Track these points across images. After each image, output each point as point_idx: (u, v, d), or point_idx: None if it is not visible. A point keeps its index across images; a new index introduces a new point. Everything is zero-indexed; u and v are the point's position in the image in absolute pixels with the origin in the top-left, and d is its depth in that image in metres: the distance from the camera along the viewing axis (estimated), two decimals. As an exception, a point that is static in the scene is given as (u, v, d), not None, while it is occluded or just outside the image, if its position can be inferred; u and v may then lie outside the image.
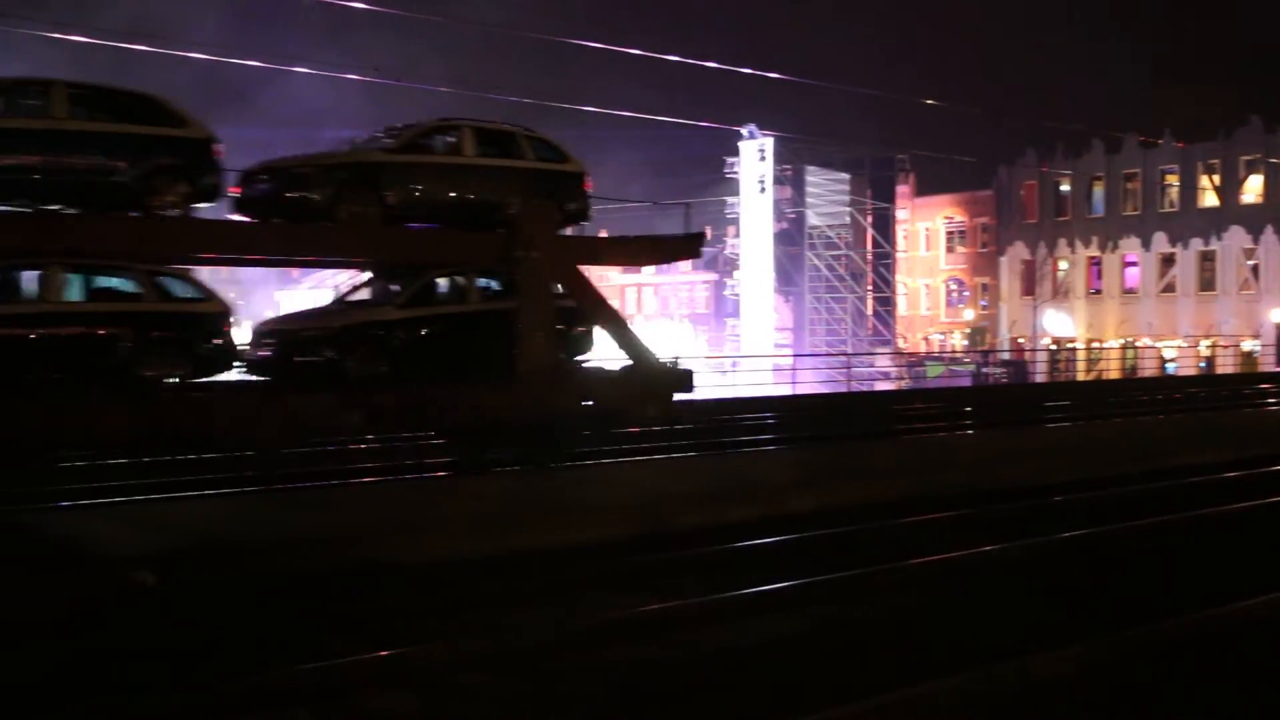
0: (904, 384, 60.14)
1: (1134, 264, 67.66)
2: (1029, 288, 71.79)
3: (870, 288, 76.98)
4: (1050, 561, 12.04)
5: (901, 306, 79.05)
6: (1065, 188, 70.68)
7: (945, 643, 9.21)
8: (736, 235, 76.85)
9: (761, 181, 72.82)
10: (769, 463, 19.24)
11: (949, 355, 70.48)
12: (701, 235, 19.95)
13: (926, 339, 78.86)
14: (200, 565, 10.73)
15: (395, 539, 11.93)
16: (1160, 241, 66.02)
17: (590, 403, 17.16)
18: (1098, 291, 69.26)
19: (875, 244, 77.06)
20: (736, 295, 76.83)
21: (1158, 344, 63.88)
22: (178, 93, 15.42)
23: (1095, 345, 66.38)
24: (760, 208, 73.16)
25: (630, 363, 18.11)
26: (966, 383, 57.12)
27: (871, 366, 65.80)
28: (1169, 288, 65.92)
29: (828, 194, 77.48)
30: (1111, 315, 67.87)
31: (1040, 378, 57.24)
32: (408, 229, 16.65)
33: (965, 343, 74.29)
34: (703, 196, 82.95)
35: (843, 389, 45.41)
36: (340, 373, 15.46)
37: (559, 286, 17.17)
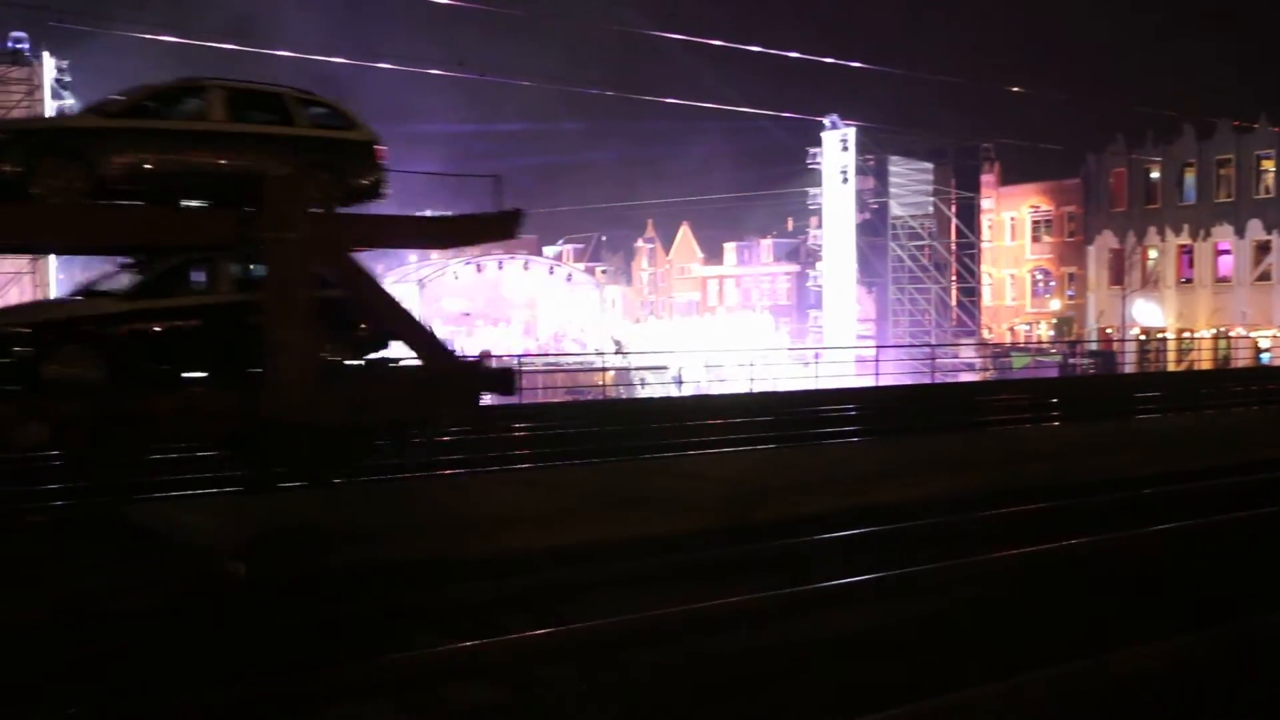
0: (989, 375, 59.40)
1: (1227, 252, 66.12)
2: (1117, 277, 70.52)
3: (954, 278, 76.10)
4: (1139, 555, 11.85)
5: (986, 297, 78.09)
6: (1155, 175, 69.25)
7: (1027, 636, 9.12)
8: (819, 226, 76.44)
9: (844, 172, 72.31)
10: (851, 455, 19.13)
11: (1035, 346, 69.45)
12: (518, 213, 16.54)
13: (1012, 329, 77.84)
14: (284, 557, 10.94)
15: (468, 533, 12.06)
16: (1255, 228, 64.43)
17: (365, 408, 14.94)
18: (1189, 280, 67.83)
19: (959, 234, 76.15)
20: (819, 287, 76.41)
21: (1252, 334, 62.44)
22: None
23: (1186, 335, 65.04)
24: (843, 198, 72.67)
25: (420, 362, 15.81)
26: (1053, 374, 56.26)
27: (956, 358, 65.04)
28: (1264, 276, 64.34)
29: (911, 184, 76.68)
30: (1203, 304, 66.43)
31: (1129, 369, 56.23)
32: (107, 207, 14.03)
33: (1051, 333, 73.19)
34: (785, 188, 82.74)
35: (926, 380, 45.03)
36: (35, 376, 13.23)
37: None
